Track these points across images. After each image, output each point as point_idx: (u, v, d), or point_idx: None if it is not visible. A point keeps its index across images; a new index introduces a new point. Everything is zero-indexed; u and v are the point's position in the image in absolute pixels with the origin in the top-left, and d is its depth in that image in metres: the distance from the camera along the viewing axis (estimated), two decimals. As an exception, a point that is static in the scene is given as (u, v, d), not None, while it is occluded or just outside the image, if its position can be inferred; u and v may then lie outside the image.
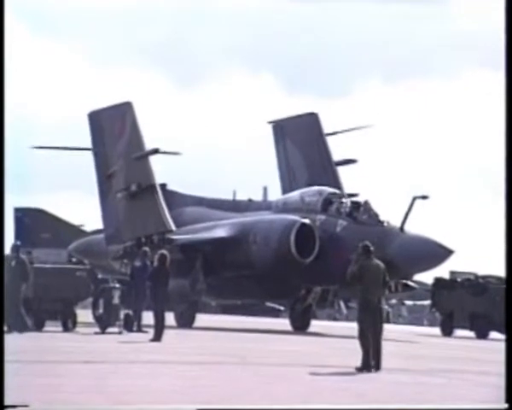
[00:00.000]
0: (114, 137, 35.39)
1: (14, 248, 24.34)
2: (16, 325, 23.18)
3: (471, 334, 39.65)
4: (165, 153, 35.60)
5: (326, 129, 38.39)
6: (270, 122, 38.18)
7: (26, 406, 10.16)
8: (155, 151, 35.08)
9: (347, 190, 36.77)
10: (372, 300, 15.44)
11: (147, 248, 29.39)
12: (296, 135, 37.63)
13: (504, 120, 12.23)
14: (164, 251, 24.20)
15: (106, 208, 36.09)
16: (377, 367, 15.44)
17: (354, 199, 34.33)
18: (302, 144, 37.64)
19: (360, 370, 15.36)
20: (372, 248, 15.81)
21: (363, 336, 15.51)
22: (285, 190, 38.08)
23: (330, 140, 38.40)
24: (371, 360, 15.41)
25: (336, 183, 36.87)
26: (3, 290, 15.53)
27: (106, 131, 35.65)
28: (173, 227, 34.63)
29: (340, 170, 38.25)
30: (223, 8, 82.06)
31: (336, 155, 38.24)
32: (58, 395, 11.12)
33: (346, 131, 38.31)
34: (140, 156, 34.95)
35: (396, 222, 32.94)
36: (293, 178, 37.68)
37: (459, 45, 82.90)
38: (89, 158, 41.29)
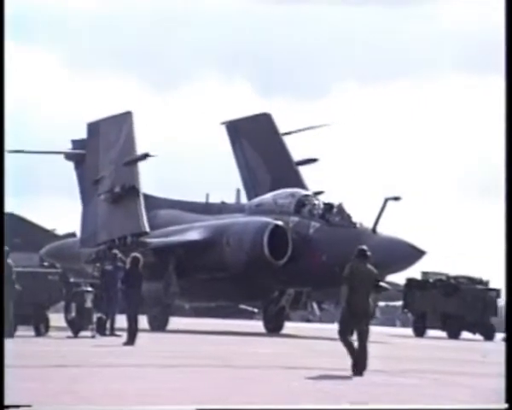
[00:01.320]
0: (109, 144, 35.41)
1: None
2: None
3: (443, 334, 39.91)
4: (154, 157, 35.48)
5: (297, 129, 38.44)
6: (223, 123, 37.71)
7: (28, 406, 10.14)
8: (145, 156, 35.07)
9: (316, 188, 36.83)
10: (358, 303, 15.51)
11: (117, 251, 29.27)
12: (251, 135, 37.46)
13: (504, 120, 12.34)
14: (136, 254, 24.13)
15: (86, 213, 35.97)
16: (363, 369, 15.48)
17: (327, 201, 34.44)
18: (259, 144, 37.52)
19: (354, 371, 15.37)
20: (369, 253, 15.87)
21: (342, 336, 15.57)
22: (248, 191, 38.10)
23: (300, 139, 38.53)
24: (355, 359, 15.45)
25: (300, 182, 36.92)
26: (3, 291, 15.42)
27: (101, 139, 35.67)
28: (148, 229, 34.56)
29: (315, 171, 38.38)
30: (197, 12, 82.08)
31: (305, 154, 38.30)
32: (31, 398, 11.07)
33: (301, 130, 38.38)
34: (130, 161, 34.94)
35: (368, 223, 33.11)
36: (255, 178, 37.62)
37: (439, 46, 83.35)
38: (62, 162, 41.16)
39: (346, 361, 15.69)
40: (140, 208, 34.64)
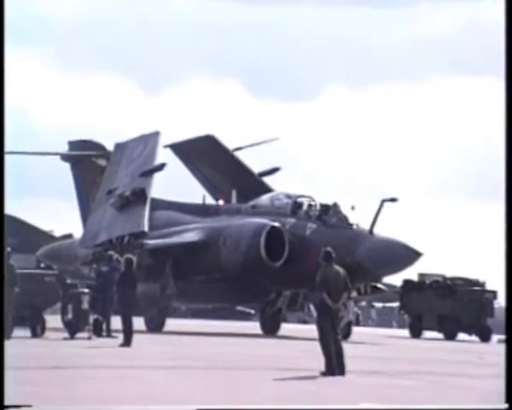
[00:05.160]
0: (131, 160, 35.56)
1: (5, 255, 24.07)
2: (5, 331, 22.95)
3: (439, 335, 39.93)
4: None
5: (297, 130, 38.35)
6: (166, 146, 37.10)
7: (29, 406, 10.13)
8: (162, 166, 35.14)
9: (312, 191, 36.66)
10: (331, 305, 15.51)
11: (112, 253, 29.24)
12: (200, 155, 37.23)
13: (504, 121, 12.34)
14: (130, 255, 24.12)
15: (93, 217, 35.97)
16: (342, 371, 15.51)
17: (323, 202, 34.44)
18: (212, 162, 37.23)
19: (324, 374, 15.44)
20: (334, 255, 15.85)
21: (323, 341, 15.59)
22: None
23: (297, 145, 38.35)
24: (334, 365, 15.48)
25: (268, 192, 36.71)
26: (3, 292, 15.38)
27: (126, 155, 35.84)
28: (146, 229, 34.52)
29: (311, 174, 38.31)
30: (187, 15, 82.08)
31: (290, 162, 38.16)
32: (27, 400, 11.06)
33: (252, 145, 38.30)
34: (146, 172, 35.01)
35: (365, 225, 33.12)
36: (221, 194, 37.38)
37: (425, 49, 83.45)
38: (58, 164, 41.13)
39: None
40: (144, 210, 34.66)
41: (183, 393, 12.67)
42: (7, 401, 10.90)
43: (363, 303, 58.32)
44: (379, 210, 32.75)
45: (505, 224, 12.18)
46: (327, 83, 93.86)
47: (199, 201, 37.72)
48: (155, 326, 33.58)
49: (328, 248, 16.01)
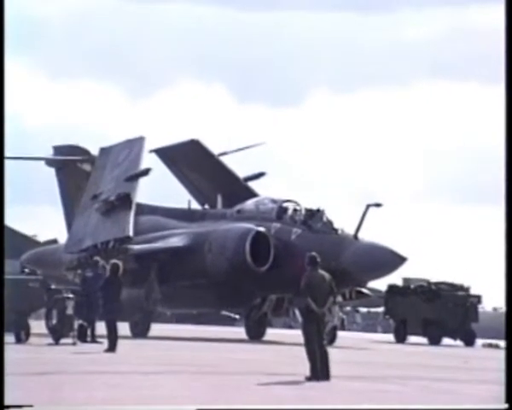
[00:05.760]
0: (116, 164, 35.45)
1: None
2: None
3: (424, 340, 40.03)
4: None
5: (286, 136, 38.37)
6: (151, 151, 36.96)
7: (30, 406, 10.09)
8: (147, 171, 35.06)
9: (299, 197, 36.73)
10: (316, 310, 15.53)
11: (98, 258, 29.20)
12: (185, 160, 37.20)
13: (504, 122, 12.41)
14: (116, 261, 24.06)
15: (78, 222, 35.84)
16: (326, 376, 15.52)
17: (309, 207, 34.49)
18: (196, 167, 37.20)
19: (309, 379, 15.44)
20: (318, 260, 15.85)
21: (309, 346, 15.61)
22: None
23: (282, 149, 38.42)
24: (319, 370, 15.50)
25: (253, 196, 36.69)
26: (3, 293, 15.30)
27: (110, 160, 35.74)
28: (131, 234, 34.43)
29: (295, 178, 38.36)
30: (174, 19, 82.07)
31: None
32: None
33: (237, 150, 38.33)
34: (131, 176, 34.90)
35: (350, 230, 33.18)
36: (204, 196, 37.36)
37: (410, 54, 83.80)
38: (43, 169, 40.98)
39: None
40: (129, 215, 34.57)
41: (169, 397, 12.65)
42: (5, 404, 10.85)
43: (348, 308, 58.37)
44: (364, 215, 32.84)
45: (505, 227, 12.24)
46: (312, 88, 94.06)
47: (184, 206, 37.69)
48: (140, 331, 33.51)
49: (314, 253, 16.02)
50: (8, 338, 25.46)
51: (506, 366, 12.08)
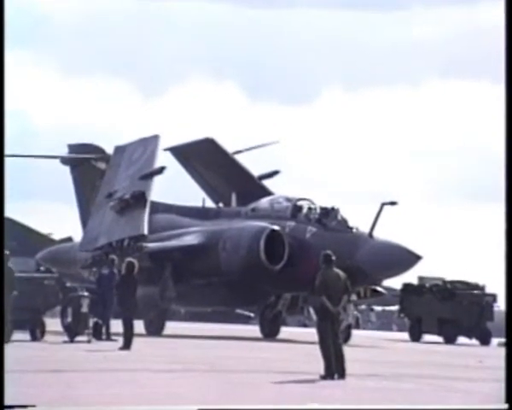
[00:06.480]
0: (131, 163, 35.53)
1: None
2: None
3: (439, 339, 39.91)
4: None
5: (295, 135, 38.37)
6: (166, 149, 36.84)
7: (32, 406, 10.13)
8: (161, 169, 35.12)
9: (312, 195, 36.70)
10: (331, 309, 15.49)
11: (114, 256, 29.30)
12: (200, 158, 37.19)
13: (504, 122, 12.35)
14: (132, 259, 24.10)
15: (93, 221, 35.93)
16: (342, 375, 15.49)
17: (323, 205, 34.43)
18: (211, 165, 37.18)
19: (324, 378, 15.42)
20: (333, 258, 15.82)
21: (323, 345, 15.58)
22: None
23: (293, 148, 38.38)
24: (334, 368, 15.48)
25: (268, 194, 36.63)
26: (3, 293, 15.37)
27: (125, 158, 35.80)
28: (146, 232, 34.50)
29: (311, 177, 38.30)
30: (187, 16, 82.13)
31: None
32: (27, 402, 11.04)
33: (252, 148, 38.28)
34: (146, 175, 34.98)
35: (365, 228, 33.12)
36: (218, 195, 37.35)
37: (421, 53, 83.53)
38: (58, 167, 41.11)
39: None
40: (144, 214, 34.64)
41: (183, 395, 12.66)
42: (7, 403, 10.89)
43: (363, 306, 58.28)
44: (378, 213, 32.76)
45: (505, 226, 12.19)
46: (325, 86, 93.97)
47: (198, 204, 37.71)
48: (155, 329, 33.56)
49: (328, 252, 15.99)
50: (24, 336, 25.58)
51: (506, 366, 12.03)
